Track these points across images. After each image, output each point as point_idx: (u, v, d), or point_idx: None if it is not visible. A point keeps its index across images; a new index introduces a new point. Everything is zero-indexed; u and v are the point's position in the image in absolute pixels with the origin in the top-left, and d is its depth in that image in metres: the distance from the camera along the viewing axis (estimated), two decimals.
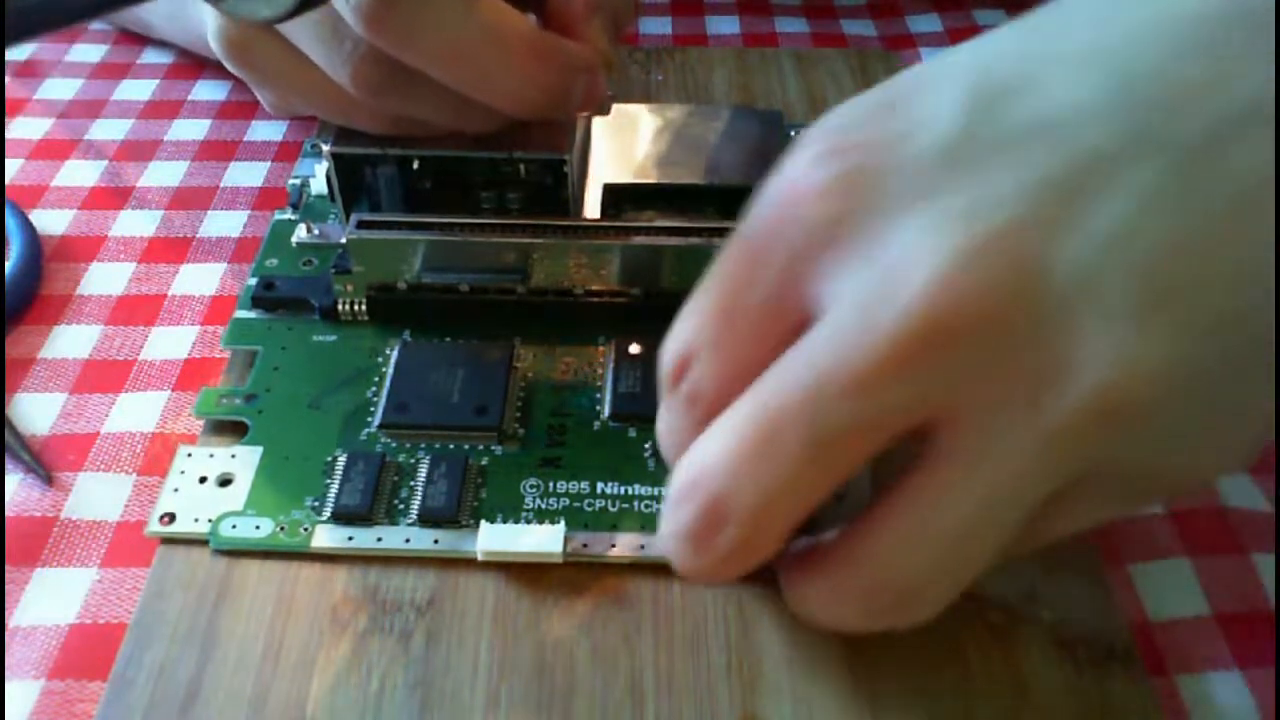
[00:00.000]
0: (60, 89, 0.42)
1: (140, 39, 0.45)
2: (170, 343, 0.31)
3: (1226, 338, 0.17)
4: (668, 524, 0.20)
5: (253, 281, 0.31)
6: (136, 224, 0.36)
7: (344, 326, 0.30)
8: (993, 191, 0.17)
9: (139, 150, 0.39)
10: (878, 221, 0.18)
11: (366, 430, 0.27)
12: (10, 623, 0.25)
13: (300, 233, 0.32)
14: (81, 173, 0.38)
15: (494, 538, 0.24)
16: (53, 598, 0.25)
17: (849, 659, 0.23)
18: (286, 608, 0.24)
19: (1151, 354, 0.16)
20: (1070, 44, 0.18)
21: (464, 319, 0.30)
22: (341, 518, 0.25)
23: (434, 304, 0.30)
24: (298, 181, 0.35)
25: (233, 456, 0.27)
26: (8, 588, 0.25)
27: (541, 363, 0.29)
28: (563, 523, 0.25)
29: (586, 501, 0.26)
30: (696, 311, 0.21)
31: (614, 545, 0.25)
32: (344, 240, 0.29)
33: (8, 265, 0.33)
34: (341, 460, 0.26)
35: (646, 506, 0.25)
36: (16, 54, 0.44)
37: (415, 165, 0.30)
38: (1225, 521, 0.26)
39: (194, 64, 0.43)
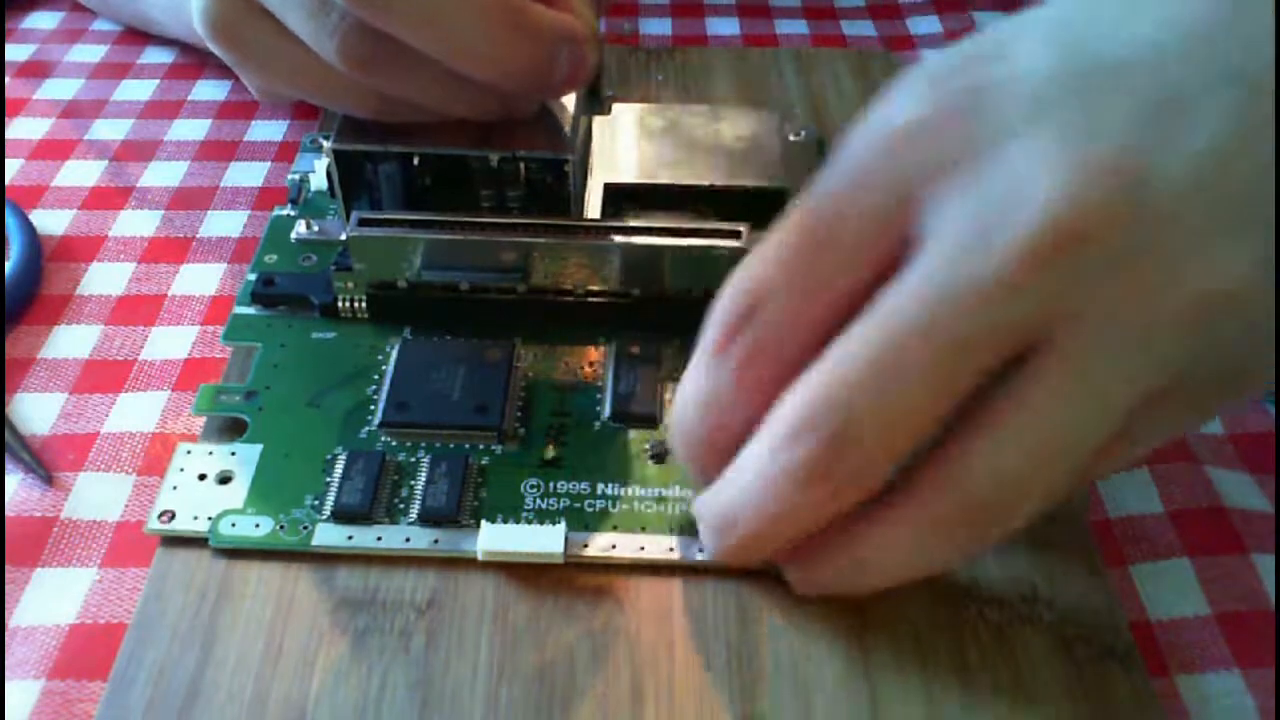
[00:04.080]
0: (60, 89, 0.42)
1: (141, 38, 0.45)
2: (170, 343, 0.31)
3: None
4: (775, 464, 0.20)
5: (252, 277, 0.31)
6: (136, 224, 0.36)
7: (344, 324, 0.30)
8: (1101, 116, 0.19)
9: (139, 150, 0.39)
10: (988, 147, 0.19)
11: (367, 428, 0.27)
12: (10, 623, 0.25)
13: (300, 229, 0.32)
14: (81, 173, 0.38)
15: (494, 538, 0.24)
16: (53, 598, 0.25)
17: (849, 659, 0.23)
18: (286, 608, 0.24)
19: (1244, 259, 0.18)
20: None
21: (464, 318, 0.30)
22: (342, 517, 0.25)
23: (434, 302, 0.29)
24: (297, 177, 0.35)
25: (232, 454, 0.26)
26: (8, 588, 0.25)
27: (542, 362, 0.29)
28: (563, 523, 0.25)
29: (587, 502, 0.25)
30: (769, 254, 0.21)
31: (614, 546, 0.25)
32: (344, 238, 0.29)
33: (8, 265, 0.33)
34: (342, 459, 0.26)
35: (647, 508, 0.25)
36: (17, 54, 0.44)
37: (416, 162, 0.30)
38: (1225, 521, 0.26)
39: (194, 64, 0.43)
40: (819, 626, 0.23)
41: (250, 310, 0.30)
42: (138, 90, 0.42)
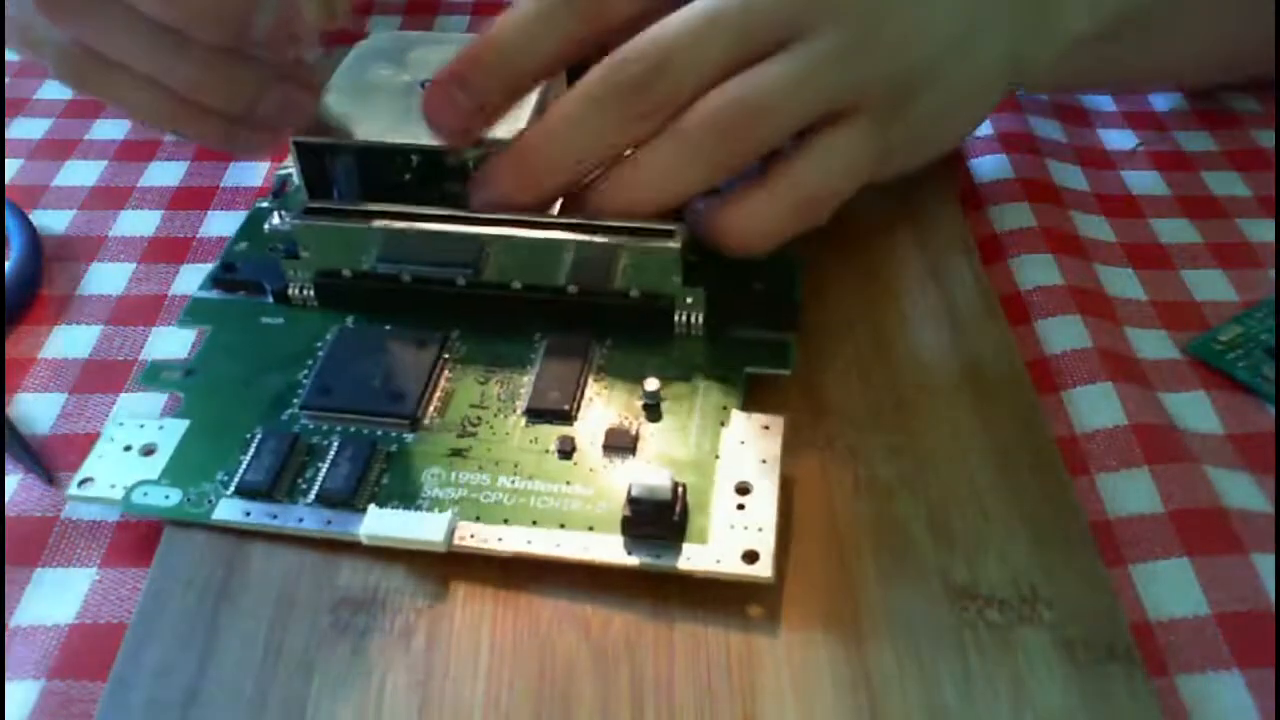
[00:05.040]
0: (60, 89, 0.42)
1: None
2: (170, 343, 0.31)
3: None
4: (602, 84, 0.27)
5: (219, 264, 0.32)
6: (136, 224, 0.36)
7: (294, 310, 0.31)
8: None
9: (139, 150, 0.39)
10: None
11: (290, 410, 0.28)
12: (10, 623, 0.25)
13: (274, 220, 0.33)
14: (81, 173, 0.38)
15: (379, 523, 0.25)
16: (53, 598, 0.25)
17: (849, 660, 0.23)
18: (287, 607, 0.24)
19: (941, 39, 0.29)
20: None
21: (408, 309, 0.30)
22: (244, 493, 0.26)
23: (379, 292, 0.30)
24: (286, 172, 0.35)
25: (160, 428, 0.27)
26: (8, 588, 0.25)
27: (475, 354, 0.29)
28: (452, 513, 0.25)
29: (484, 494, 0.26)
30: None
31: (500, 539, 0.25)
32: (290, 226, 0.30)
33: (8, 265, 0.33)
34: (258, 437, 0.27)
35: (542, 503, 0.25)
36: (17, 54, 0.44)
37: (377, 156, 0.30)
38: (1225, 521, 0.26)
39: None
40: (819, 627, 0.23)
41: (210, 294, 0.32)
42: None
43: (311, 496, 0.26)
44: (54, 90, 0.42)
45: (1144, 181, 0.38)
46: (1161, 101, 0.41)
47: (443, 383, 0.28)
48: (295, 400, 0.28)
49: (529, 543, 0.24)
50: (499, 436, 0.27)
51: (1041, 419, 0.28)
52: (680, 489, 0.25)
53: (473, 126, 0.29)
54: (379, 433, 0.27)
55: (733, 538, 0.24)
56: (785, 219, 0.28)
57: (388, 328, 0.30)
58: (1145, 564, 0.25)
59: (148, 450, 0.27)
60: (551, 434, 0.27)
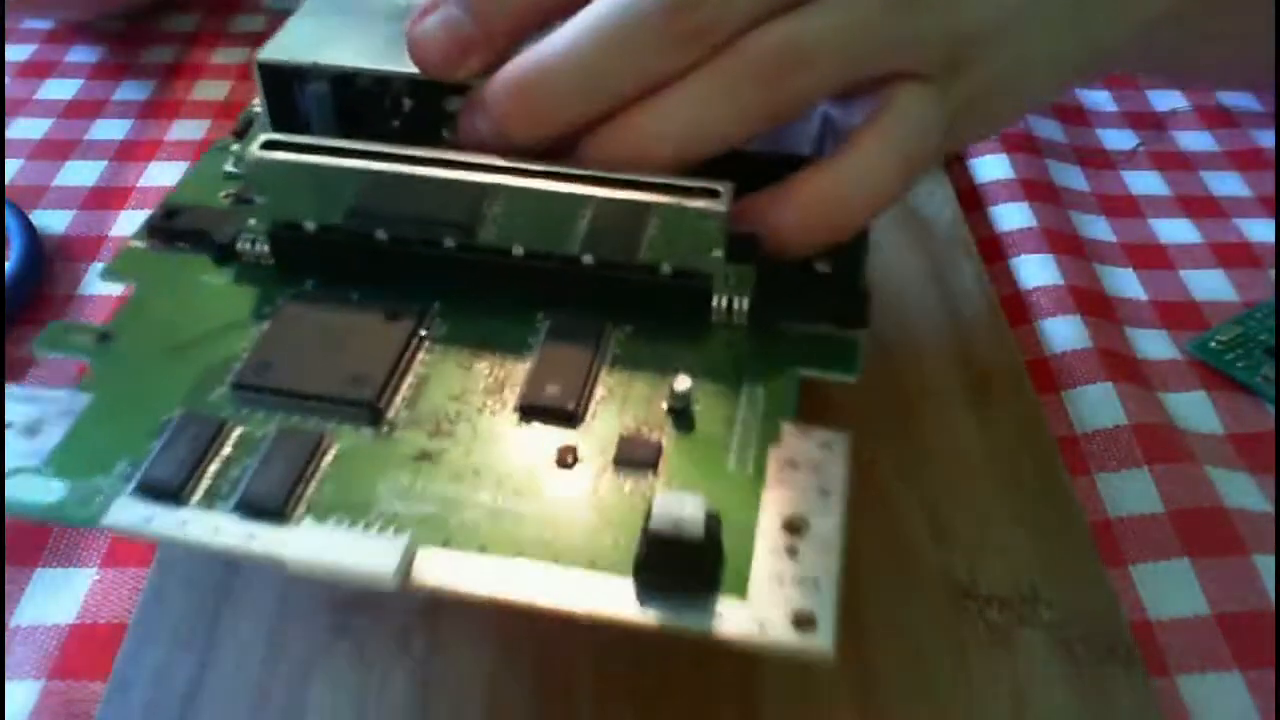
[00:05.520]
0: (60, 89, 0.42)
1: (141, 39, 0.45)
2: None
3: None
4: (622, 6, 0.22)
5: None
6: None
7: (244, 269, 0.25)
8: None
9: (139, 150, 0.39)
10: None
11: (220, 389, 0.22)
12: (10, 623, 0.25)
13: (231, 162, 0.27)
14: (81, 173, 0.38)
15: (312, 544, 0.19)
16: (53, 598, 0.25)
17: (849, 659, 0.23)
18: (287, 607, 0.24)
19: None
20: None
21: (386, 274, 0.24)
22: (148, 491, 0.20)
23: (347, 252, 0.24)
24: (257, 109, 0.27)
25: (53, 402, 0.22)
26: (8, 588, 0.25)
27: (459, 333, 0.23)
28: (409, 536, 0.19)
29: (457, 511, 0.20)
30: None
31: (473, 578, 0.19)
32: (242, 161, 0.24)
33: (8, 265, 0.33)
34: (175, 421, 0.21)
35: (532, 527, 0.19)
36: (17, 54, 0.44)
37: (359, 88, 0.25)
38: (1225, 521, 0.26)
39: (195, 64, 0.43)
40: None
41: (143, 245, 0.26)
42: (137, 90, 0.42)
43: (233, 502, 0.20)
44: (54, 90, 0.42)
45: (1144, 181, 0.38)
46: (1161, 101, 0.41)
47: (416, 366, 0.22)
48: (227, 378, 0.22)
49: (509, 582, 0.19)
50: (482, 438, 0.21)
51: (1041, 419, 0.28)
52: (715, 523, 0.19)
53: (468, 61, 0.24)
54: (329, 424, 0.21)
55: (780, 594, 0.18)
56: (885, 185, 0.23)
57: (354, 295, 0.24)
58: (1145, 564, 0.25)
59: (32, 430, 0.21)
60: (549, 439, 0.21)
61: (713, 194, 0.22)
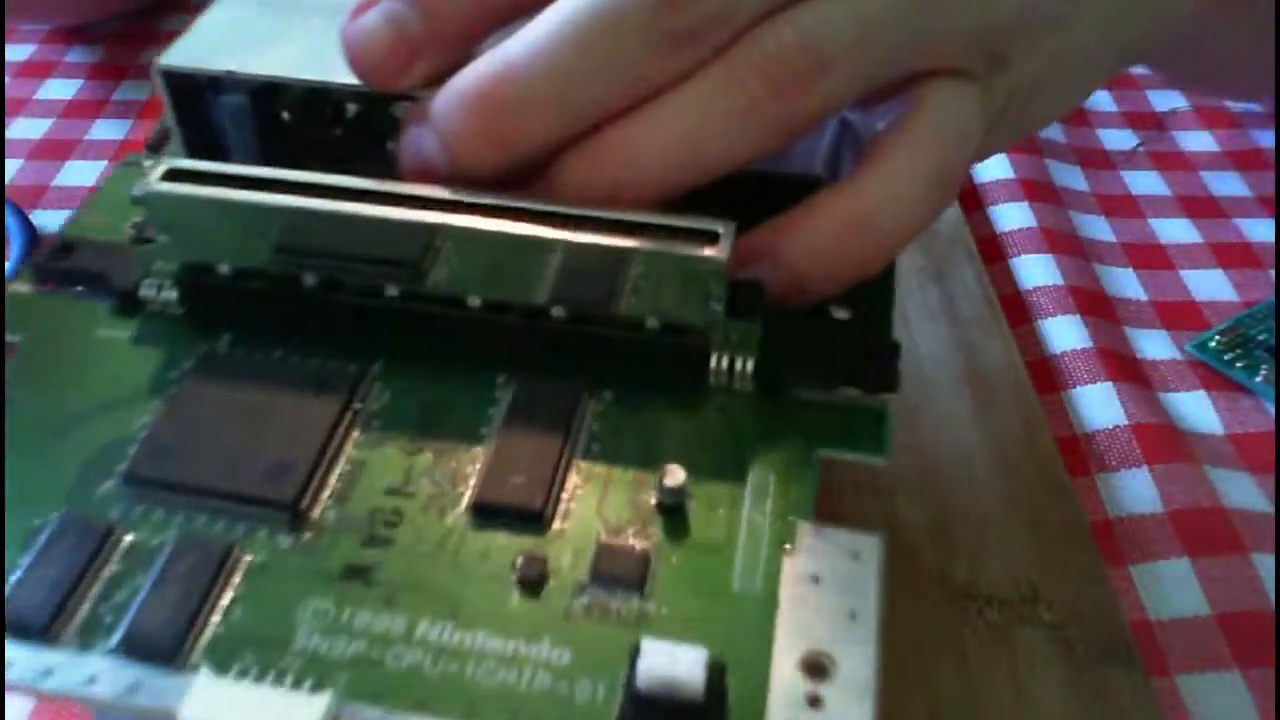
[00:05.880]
0: (60, 89, 0.42)
1: (142, 39, 0.45)
2: None
3: None
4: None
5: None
6: None
7: (148, 321, 0.21)
8: None
9: (139, 151, 0.39)
10: None
11: (108, 484, 0.18)
12: None
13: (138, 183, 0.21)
14: (81, 173, 0.38)
15: (208, 702, 0.15)
16: None
17: None
18: None
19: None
20: None
21: (315, 328, 0.20)
22: (11, 627, 0.16)
23: (269, 301, 0.20)
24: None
25: None
26: None
27: (402, 407, 0.19)
28: (333, 693, 0.15)
29: (394, 651, 0.16)
30: None
31: None
32: (136, 194, 0.19)
33: (8, 265, 0.33)
34: (51, 527, 0.17)
35: (487, 674, 0.16)
36: (16, 54, 0.44)
37: (286, 102, 0.22)
38: (1225, 521, 0.26)
39: None
40: None
41: (27, 289, 0.21)
42: (137, 90, 0.42)
43: (116, 639, 0.16)
44: (54, 90, 0.42)
45: (1144, 181, 0.38)
46: (1161, 101, 0.41)
47: (348, 449, 0.19)
48: (119, 467, 0.18)
49: None
50: (427, 548, 0.17)
51: (1042, 419, 0.28)
52: (719, 676, 0.15)
53: (415, 66, 0.20)
54: (240, 529, 0.17)
55: None
56: (920, 203, 0.20)
57: (277, 354, 0.20)
58: (1145, 564, 0.25)
59: None
60: (511, 548, 0.17)
61: (710, 238, 0.18)
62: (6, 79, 0.43)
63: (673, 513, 0.17)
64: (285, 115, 0.21)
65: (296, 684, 0.15)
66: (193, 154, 0.22)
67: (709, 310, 0.19)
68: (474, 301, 0.20)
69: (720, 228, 0.18)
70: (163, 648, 0.16)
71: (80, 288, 0.21)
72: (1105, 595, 0.24)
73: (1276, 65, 0.17)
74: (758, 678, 0.15)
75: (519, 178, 0.19)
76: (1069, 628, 0.23)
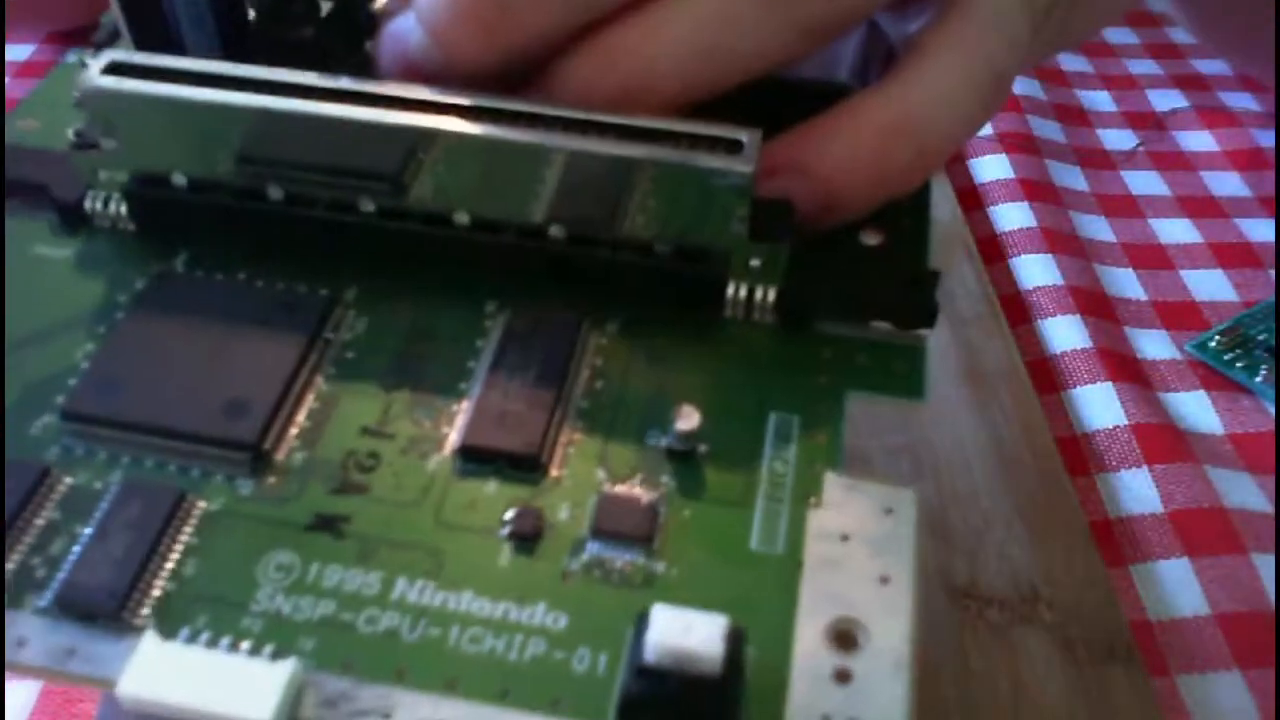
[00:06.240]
0: None
1: None
2: None
3: None
4: None
5: None
6: None
7: (93, 237, 0.19)
8: None
9: None
10: None
11: (45, 419, 0.16)
12: None
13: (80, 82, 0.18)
14: None
15: (152, 671, 0.13)
16: None
17: None
18: None
19: None
20: None
21: (282, 248, 0.18)
22: None
23: (229, 216, 0.18)
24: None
25: None
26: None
27: (380, 336, 0.17)
28: (298, 660, 0.13)
29: (367, 614, 0.14)
30: None
31: (388, 717, 0.13)
32: (76, 94, 0.17)
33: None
34: None
35: (473, 642, 0.14)
36: (17, 54, 0.44)
37: None
38: (1225, 521, 0.26)
39: None
40: None
41: None
42: None
43: (50, 595, 0.14)
44: None
45: (1144, 181, 0.38)
46: (1161, 101, 0.41)
47: (319, 384, 0.17)
48: (58, 401, 0.16)
49: None
50: (408, 495, 0.15)
51: (1041, 419, 0.28)
52: (738, 647, 0.13)
53: None
54: (194, 472, 0.15)
55: None
56: (967, 106, 0.18)
57: (239, 277, 0.18)
58: (1145, 564, 0.25)
59: None
60: (502, 499, 0.15)
61: (733, 146, 0.16)
62: (6, 79, 0.43)
63: (684, 460, 0.16)
64: (250, 13, 0.19)
65: (256, 650, 0.13)
66: (138, 43, 0.19)
67: (729, 231, 0.16)
68: (461, 219, 0.17)
69: (744, 136, 0.16)
70: (103, 606, 0.14)
71: (16, 201, 0.19)
72: (1105, 595, 0.24)
73: (1277, 65, 0.17)
74: (779, 649, 0.14)
75: (516, 79, 0.17)
76: (1069, 628, 0.23)
